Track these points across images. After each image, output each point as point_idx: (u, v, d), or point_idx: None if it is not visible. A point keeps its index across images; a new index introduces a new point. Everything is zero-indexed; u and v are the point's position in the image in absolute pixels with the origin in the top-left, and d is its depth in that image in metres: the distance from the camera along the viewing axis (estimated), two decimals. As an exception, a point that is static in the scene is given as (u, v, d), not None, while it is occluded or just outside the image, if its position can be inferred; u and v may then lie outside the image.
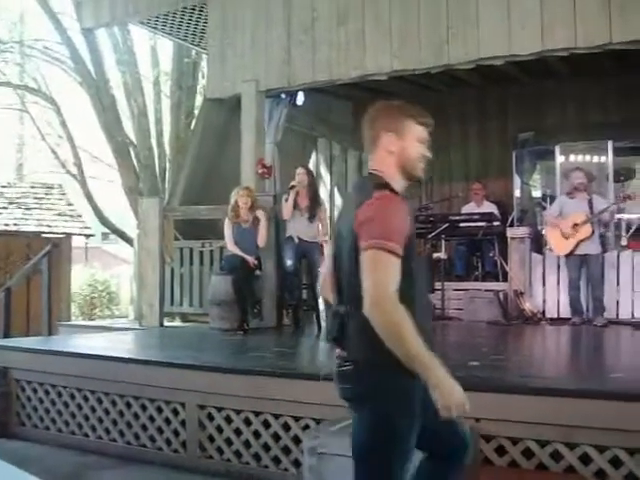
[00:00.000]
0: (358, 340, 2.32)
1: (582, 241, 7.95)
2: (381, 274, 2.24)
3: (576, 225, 7.93)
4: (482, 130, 11.48)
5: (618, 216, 8.71)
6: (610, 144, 9.66)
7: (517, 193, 10.61)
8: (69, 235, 13.78)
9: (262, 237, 7.95)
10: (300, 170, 7.93)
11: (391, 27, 7.91)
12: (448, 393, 2.22)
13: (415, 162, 2.48)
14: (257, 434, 4.75)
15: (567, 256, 8.11)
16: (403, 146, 2.45)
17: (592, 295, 8.04)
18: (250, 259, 7.81)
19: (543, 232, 9.00)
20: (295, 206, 7.80)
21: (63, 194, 14.98)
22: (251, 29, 8.92)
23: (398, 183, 2.45)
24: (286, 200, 7.83)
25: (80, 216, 14.57)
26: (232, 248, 7.92)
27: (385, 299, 2.21)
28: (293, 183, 7.83)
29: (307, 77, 8.53)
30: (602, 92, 10.37)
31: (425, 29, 7.71)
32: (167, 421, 5.15)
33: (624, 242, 8.63)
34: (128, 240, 15.36)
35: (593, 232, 7.93)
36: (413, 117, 2.47)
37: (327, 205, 10.88)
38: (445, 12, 7.58)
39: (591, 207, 8.01)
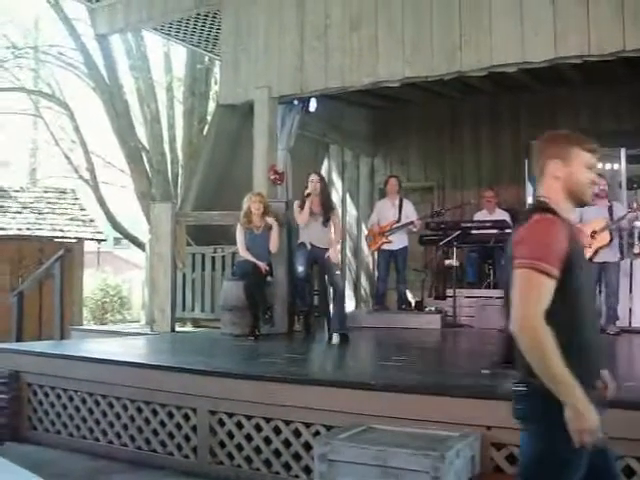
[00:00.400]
0: (522, 362, 2.31)
1: (601, 248, 7.86)
2: (530, 294, 2.24)
3: (594, 232, 7.87)
4: (494, 137, 11.46)
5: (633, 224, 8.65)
6: (623, 152, 9.63)
7: (529, 200, 10.56)
8: (81, 240, 13.80)
9: (274, 243, 7.96)
10: (313, 177, 7.87)
11: (404, 34, 7.91)
12: (581, 417, 2.20)
13: (584, 187, 2.50)
14: (268, 440, 4.74)
15: None
16: (570, 172, 2.47)
17: (606, 303, 7.93)
18: (262, 265, 7.79)
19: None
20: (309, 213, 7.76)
21: (76, 199, 15.02)
22: (264, 35, 8.94)
23: (563, 208, 2.46)
24: (300, 207, 7.79)
25: (92, 221, 14.60)
26: (244, 254, 7.92)
27: (529, 319, 2.22)
28: (308, 191, 7.79)
29: (320, 84, 8.53)
30: (615, 100, 10.34)
31: (438, 36, 7.70)
32: (178, 426, 5.16)
33: (637, 250, 8.55)
34: (140, 245, 15.41)
35: (612, 239, 7.87)
36: (579, 144, 2.50)
37: (339, 210, 10.88)
38: (458, 19, 7.56)
39: (611, 214, 7.94)
